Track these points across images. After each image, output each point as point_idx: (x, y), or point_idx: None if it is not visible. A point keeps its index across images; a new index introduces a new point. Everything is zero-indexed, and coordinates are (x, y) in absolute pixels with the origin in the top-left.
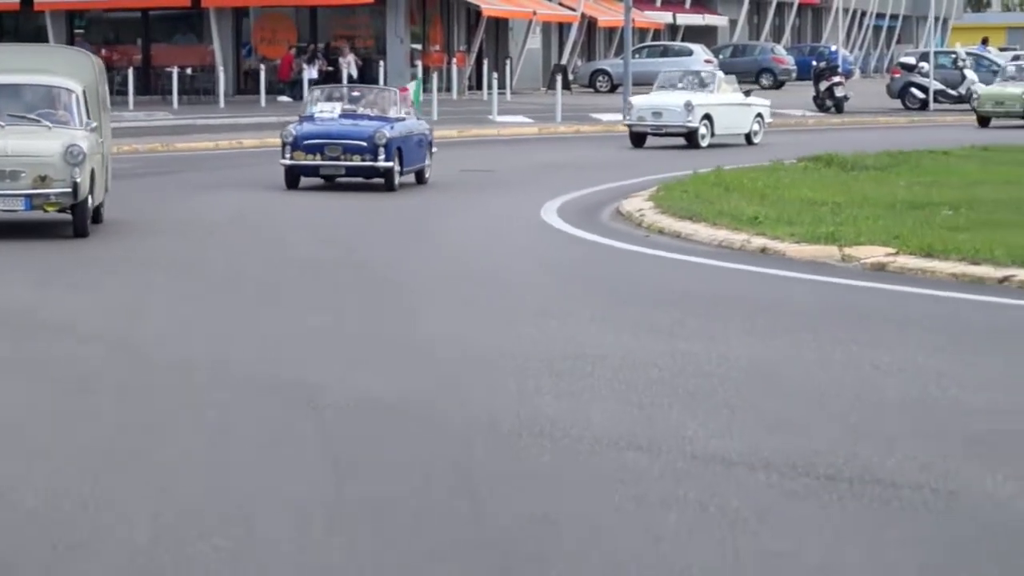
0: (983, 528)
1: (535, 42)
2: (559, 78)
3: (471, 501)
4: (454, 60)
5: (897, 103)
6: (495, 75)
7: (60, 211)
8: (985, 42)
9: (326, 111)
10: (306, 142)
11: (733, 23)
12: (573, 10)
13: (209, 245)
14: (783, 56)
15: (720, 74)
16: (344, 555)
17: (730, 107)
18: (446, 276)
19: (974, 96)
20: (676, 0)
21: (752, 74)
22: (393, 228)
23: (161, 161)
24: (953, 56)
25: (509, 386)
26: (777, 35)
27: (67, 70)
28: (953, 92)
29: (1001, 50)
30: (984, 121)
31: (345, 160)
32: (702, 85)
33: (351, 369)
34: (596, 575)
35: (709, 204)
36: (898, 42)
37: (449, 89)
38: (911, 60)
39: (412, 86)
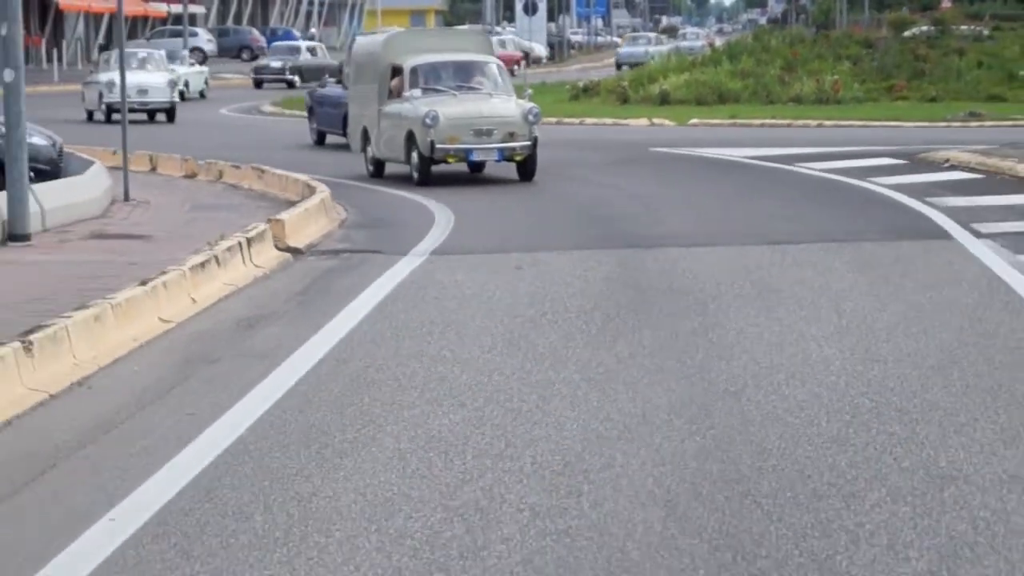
0: None
1: (80, 29)
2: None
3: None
4: (33, 42)
5: None
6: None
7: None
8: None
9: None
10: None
11: (209, 10)
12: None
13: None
14: (258, 36)
15: None
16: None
17: None
18: None
19: None
20: None
21: (236, 50)
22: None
23: None
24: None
25: None
26: (238, 19)
27: (478, 47)
28: None
29: None
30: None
31: None
32: None
33: None
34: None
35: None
36: (326, 25)
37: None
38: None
39: None
